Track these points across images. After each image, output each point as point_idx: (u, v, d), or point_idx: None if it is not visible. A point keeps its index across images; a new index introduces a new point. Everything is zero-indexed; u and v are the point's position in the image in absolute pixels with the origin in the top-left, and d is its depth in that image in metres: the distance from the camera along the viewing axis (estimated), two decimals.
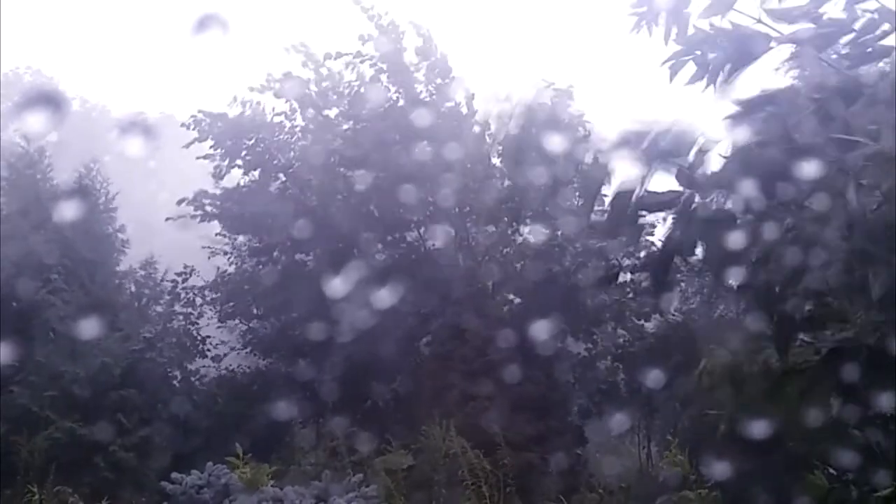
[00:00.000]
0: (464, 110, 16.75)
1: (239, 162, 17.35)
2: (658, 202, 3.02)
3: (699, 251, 3.03)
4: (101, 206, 16.83)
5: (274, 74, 17.05)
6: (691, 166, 2.98)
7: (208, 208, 17.30)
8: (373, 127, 16.49)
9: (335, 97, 17.02)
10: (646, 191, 2.99)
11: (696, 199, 2.97)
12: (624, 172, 3.02)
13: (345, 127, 17.00)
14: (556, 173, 13.81)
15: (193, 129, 17.18)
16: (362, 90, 16.82)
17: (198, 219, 17.39)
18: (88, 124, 36.44)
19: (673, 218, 2.96)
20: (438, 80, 16.66)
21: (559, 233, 15.87)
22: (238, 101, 17.18)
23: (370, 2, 16.52)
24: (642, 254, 7.81)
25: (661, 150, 2.96)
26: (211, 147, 17.26)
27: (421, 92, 16.68)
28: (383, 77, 16.69)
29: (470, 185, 15.93)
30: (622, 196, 2.97)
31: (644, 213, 3.01)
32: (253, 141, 17.17)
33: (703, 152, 3.00)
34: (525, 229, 16.52)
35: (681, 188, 2.99)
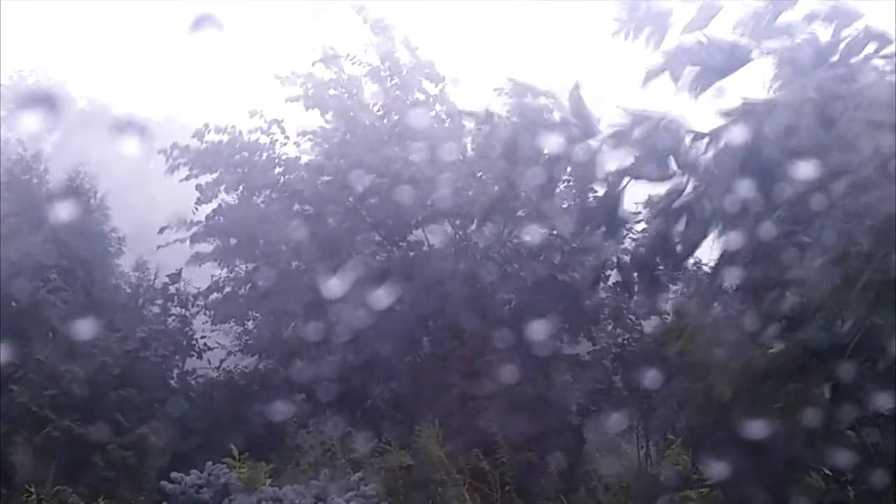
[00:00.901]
0: (455, 113, 16.68)
1: (224, 185, 17.28)
2: (649, 176, 2.99)
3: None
4: (93, 207, 16.77)
5: (297, 71, 16.94)
6: (686, 153, 2.95)
7: (193, 229, 17.30)
8: (368, 132, 16.47)
9: (343, 99, 16.96)
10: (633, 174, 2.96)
11: (689, 184, 2.94)
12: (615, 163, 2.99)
13: (345, 134, 16.94)
14: (550, 172, 13.73)
15: (173, 154, 17.11)
16: (366, 94, 16.82)
17: (186, 241, 17.35)
18: (93, 125, 36.26)
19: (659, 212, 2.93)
20: (429, 84, 16.63)
21: (554, 232, 15.84)
22: (212, 128, 17.07)
23: (362, 2, 16.54)
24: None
25: (653, 140, 2.95)
26: (189, 171, 17.24)
27: (415, 96, 16.65)
28: (374, 86, 16.67)
29: (465, 187, 15.92)
30: (609, 196, 2.96)
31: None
32: (237, 159, 17.11)
33: (698, 138, 2.99)
34: (521, 229, 16.48)
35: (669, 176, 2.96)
